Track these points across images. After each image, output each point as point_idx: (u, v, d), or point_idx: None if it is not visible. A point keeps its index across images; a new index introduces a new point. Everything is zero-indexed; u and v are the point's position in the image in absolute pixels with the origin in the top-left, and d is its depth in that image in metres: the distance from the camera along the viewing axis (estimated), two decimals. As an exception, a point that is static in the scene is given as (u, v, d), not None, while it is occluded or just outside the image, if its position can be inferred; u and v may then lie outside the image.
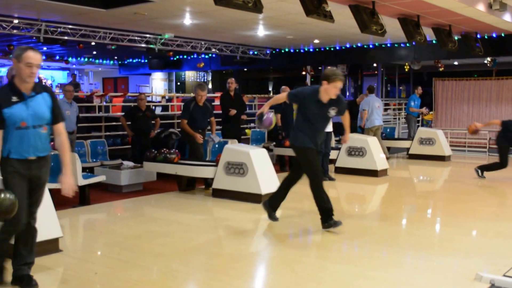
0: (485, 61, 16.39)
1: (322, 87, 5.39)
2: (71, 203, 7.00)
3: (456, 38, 11.23)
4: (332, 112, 5.51)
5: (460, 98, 15.23)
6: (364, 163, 9.39)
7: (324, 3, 7.59)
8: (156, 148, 8.55)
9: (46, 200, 4.34)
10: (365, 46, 15.50)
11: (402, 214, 6.96)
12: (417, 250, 5.01)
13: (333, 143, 10.16)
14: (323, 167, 8.48)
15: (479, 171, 9.24)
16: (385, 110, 18.53)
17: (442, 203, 7.76)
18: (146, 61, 21.24)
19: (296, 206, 6.61)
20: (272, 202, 5.95)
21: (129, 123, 9.50)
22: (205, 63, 19.01)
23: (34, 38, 12.10)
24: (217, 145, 8.84)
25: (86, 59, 20.98)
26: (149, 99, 14.71)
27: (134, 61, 21.80)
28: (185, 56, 19.49)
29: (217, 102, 11.39)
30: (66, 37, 12.15)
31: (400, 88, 22.86)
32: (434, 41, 12.04)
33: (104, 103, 11.90)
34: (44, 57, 18.06)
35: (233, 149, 7.29)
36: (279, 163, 10.36)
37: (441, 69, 18.96)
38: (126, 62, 22.27)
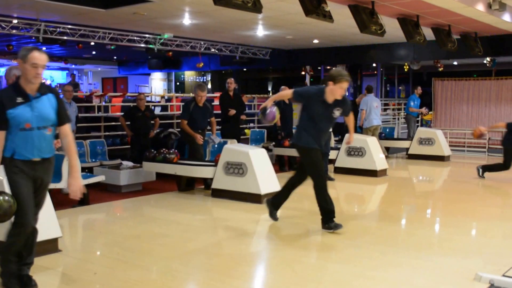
0: (485, 61, 16.40)
1: (328, 88, 5.36)
2: (70, 203, 6.99)
3: (455, 38, 11.23)
4: (337, 112, 5.47)
5: (459, 98, 15.24)
6: (364, 163, 9.39)
7: (323, 3, 7.59)
8: (155, 148, 8.55)
9: (46, 200, 4.33)
10: (364, 46, 15.50)
11: (401, 214, 6.96)
12: (416, 250, 5.01)
13: (332, 143, 10.17)
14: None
15: (481, 170, 9.21)
16: (385, 110, 18.55)
17: (442, 203, 7.76)
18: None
19: (296, 206, 6.60)
20: (275, 201, 5.94)
21: (128, 123, 9.50)
22: (205, 63, 19.01)
23: (33, 38, 12.10)
24: (216, 146, 8.84)
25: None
26: (148, 99, 14.72)
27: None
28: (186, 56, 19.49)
29: (216, 102, 11.38)
30: (65, 37, 12.14)
31: (400, 88, 22.87)
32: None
33: (103, 103, 11.89)
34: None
35: (233, 149, 7.29)
36: (279, 163, 10.36)
37: (440, 69, 18.96)
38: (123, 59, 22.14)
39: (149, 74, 24.21)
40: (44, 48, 16.50)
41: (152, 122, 9.60)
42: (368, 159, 9.35)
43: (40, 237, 4.20)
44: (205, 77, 25.35)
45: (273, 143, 10.45)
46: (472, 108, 15.00)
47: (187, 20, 11.42)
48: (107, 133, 10.86)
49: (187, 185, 7.95)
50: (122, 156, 9.73)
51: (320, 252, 5.16)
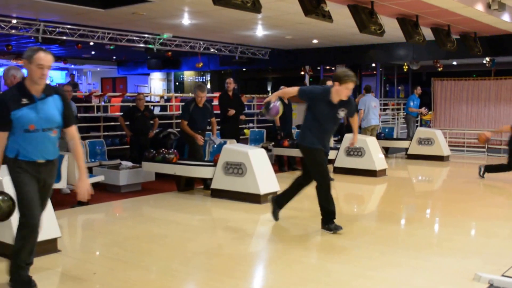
0: (484, 61, 16.41)
1: (333, 88, 5.34)
2: (69, 203, 7.00)
3: (454, 38, 11.23)
4: (342, 113, 5.45)
5: (459, 98, 15.23)
6: (363, 163, 9.39)
7: (322, 3, 7.58)
8: (154, 148, 8.54)
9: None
10: (364, 46, 15.50)
11: (401, 214, 6.96)
12: (416, 250, 5.01)
13: (331, 143, 10.16)
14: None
15: (482, 169, 9.14)
16: (384, 110, 18.55)
17: (441, 203, 7.76)
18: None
19: (296, 206, 6.59)
20: (279, 200, 5.93)
21: (128, 123, 9.49)
22: (204, 63, 19.00)
23: (33, 38, 12.09)
24: (215, 146, 8.83)
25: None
26: (147, 99, 14.71)
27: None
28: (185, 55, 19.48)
29: (215, 102, 11.38)
30: (64, 37, 12.12)
31: (399, 88, 22.87)
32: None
33: (103, 103, 11.89)
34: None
35: (232, 149, 7.29)
36: (278, 163, 10.35)
37: (440, 69, 18.97)
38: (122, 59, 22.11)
39: (148, 74, 24.19)
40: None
41: (151, 122, 9.60)
42: (368, 159, 9.35)
43: (40, 237, 4.17)
44: (204, 77, 25.35)
45: (273, 143, 10.45)
46: (471, 108, 15.00)
47: (186, 20, 11.41)
48: (106, 133, 10.85)
49: (186, 185, 7.95)
50: (121, 156, 9.73)
51: (320, 252, 5.16)
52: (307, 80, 19.09)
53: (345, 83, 5.25)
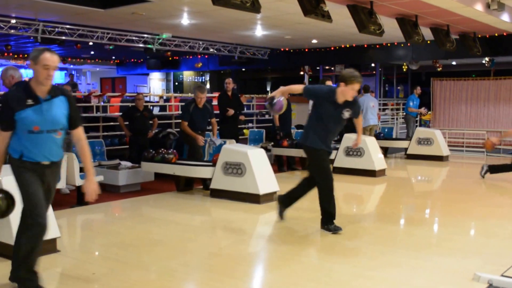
0: (483, 61, 16.42)
1: (339, 88, 5.31)
2: (69, 204, 6.99)
3: (454, 38, 11.24)
4: (346, 113, 5.42)
5: (458, 98, 15.24)
6: (362, 163, 9.39)
7: (322, 3, 7.58)
8: (154, 148, 8.53)
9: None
10: (363, 46, 15.51)
11: (400, 214, 6.96)
12: (415, 250, 5.01)
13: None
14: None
15: (485, 169, 9.07)
16: (383, 110, 18.56)
17: (440, 203, 7.76)
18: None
19: (296, 206, 6.56)
20: (285, 200, 5.91)
21: (127, 123, 9.48)
22: (203, 63, 19.00)
23: (32, 38, 12.08)
24: (216, 147, 8.82)
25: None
26: (147, 99, 14.69)
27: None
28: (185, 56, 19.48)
29: (215, 102, 11.38)
30: (63, 37, 12.12)
31: (398, 88, 22.87)
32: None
33: (102, 103, 11.86)
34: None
35: (231, 149, 7.28)
36: (277, 163, 10.35)
37: (439, 69, 18.98)
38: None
39: (147, 74, 24.18)
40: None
41: (150, 122, 9.59)
42: (367, 159, 9.35)
43: (39, 238, 4.20)
44: (203, 77, 25.33)
45: (272, 143, 10.45)
46: (470, 108, 15.01)
47: (185, 20, 11.41)
48: (105, 133, 10.84)
49: (185, 185, 7.95)
50: (120, 156, 9.72)
51: (320, 252, 5.15)
52: (306, 80, 19.08)
53: (351, 84, 5.23)
